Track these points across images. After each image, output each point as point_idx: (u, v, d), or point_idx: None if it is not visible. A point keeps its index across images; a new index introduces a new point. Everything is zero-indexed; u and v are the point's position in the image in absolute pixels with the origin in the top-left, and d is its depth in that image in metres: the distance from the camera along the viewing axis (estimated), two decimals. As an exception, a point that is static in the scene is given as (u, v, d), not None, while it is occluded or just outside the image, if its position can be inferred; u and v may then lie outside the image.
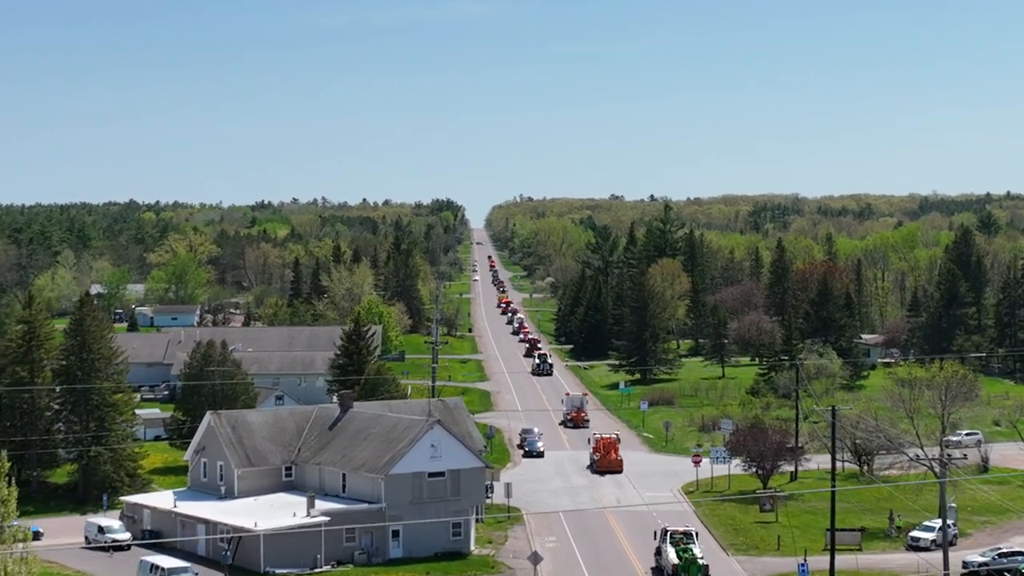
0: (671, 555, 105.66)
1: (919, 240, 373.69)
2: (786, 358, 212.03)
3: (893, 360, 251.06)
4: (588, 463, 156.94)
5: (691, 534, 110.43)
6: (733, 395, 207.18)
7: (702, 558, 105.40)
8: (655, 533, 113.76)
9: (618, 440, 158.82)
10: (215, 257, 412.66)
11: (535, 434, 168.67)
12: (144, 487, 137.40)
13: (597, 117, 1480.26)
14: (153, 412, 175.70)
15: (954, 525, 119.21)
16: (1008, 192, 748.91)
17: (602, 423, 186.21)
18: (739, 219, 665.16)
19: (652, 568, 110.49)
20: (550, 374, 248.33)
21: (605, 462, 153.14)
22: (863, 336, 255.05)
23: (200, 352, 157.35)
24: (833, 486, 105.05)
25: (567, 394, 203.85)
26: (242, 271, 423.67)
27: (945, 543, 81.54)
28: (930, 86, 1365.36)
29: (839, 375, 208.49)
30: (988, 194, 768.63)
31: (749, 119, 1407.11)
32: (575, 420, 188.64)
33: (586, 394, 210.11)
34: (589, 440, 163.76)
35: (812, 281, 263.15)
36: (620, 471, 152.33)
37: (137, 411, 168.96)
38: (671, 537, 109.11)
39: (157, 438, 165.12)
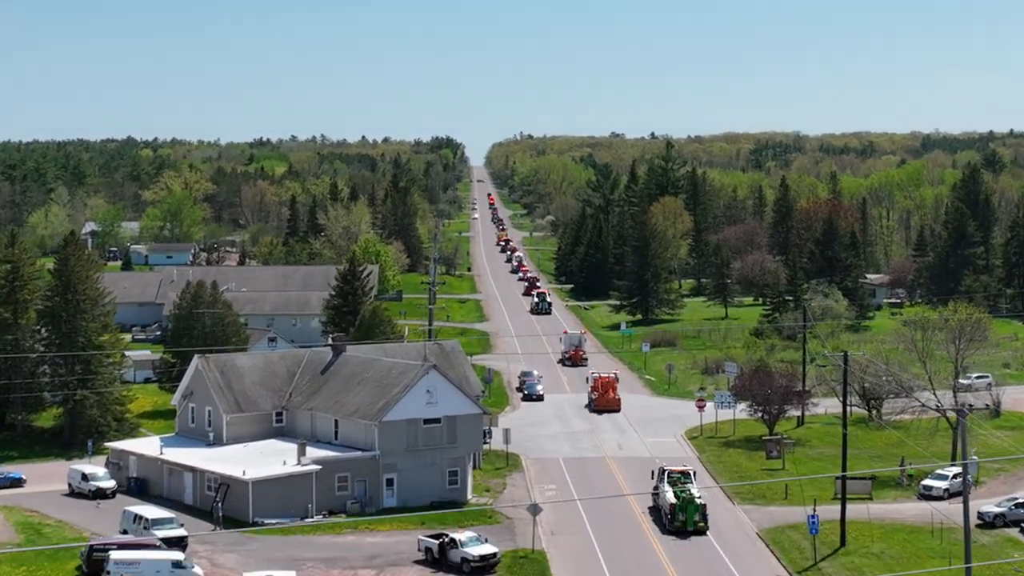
0: (668, 494, 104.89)
1: (924, 178, 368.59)
2: (791, 299, 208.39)
3: (899, 301, 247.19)
4: (586, 402, 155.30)
5: (689, 473, 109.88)
6: (737, 336, 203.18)
7: (700, 497, 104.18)
8: (652, 472, 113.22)
9: (616, 379, 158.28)
10: (211, 195, 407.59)
11: (534, 377, 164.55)
12: (132, 432, 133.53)
13: (598, 54, 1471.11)
14: (143, 354, 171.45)
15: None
16: (1011, 130, 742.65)
17: (603, 365, 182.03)
18: (740, 157, 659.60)
19: (649, 507, 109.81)
20: (549, 313, 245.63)
21: (603, 401, 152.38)
22: (868, 276, 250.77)
23: (190, 292, 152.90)
24: (845, 433, 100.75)
25: (565, 332, 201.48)
26: (238, 209, 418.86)
27: (966, 500, 77.38)
28: (932, 23, 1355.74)
29: (845, 316, 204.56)
30: (991, 132, 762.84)
31: (750, 56, 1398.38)
32: (573, 358, 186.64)
33: (584, 332, 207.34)
34: (587, 379, 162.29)
35: (816, 220, 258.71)
36: (618, 410, 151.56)
37: (127, 352, 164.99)
38: (669, 476, 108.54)
39: (147, 380, 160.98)
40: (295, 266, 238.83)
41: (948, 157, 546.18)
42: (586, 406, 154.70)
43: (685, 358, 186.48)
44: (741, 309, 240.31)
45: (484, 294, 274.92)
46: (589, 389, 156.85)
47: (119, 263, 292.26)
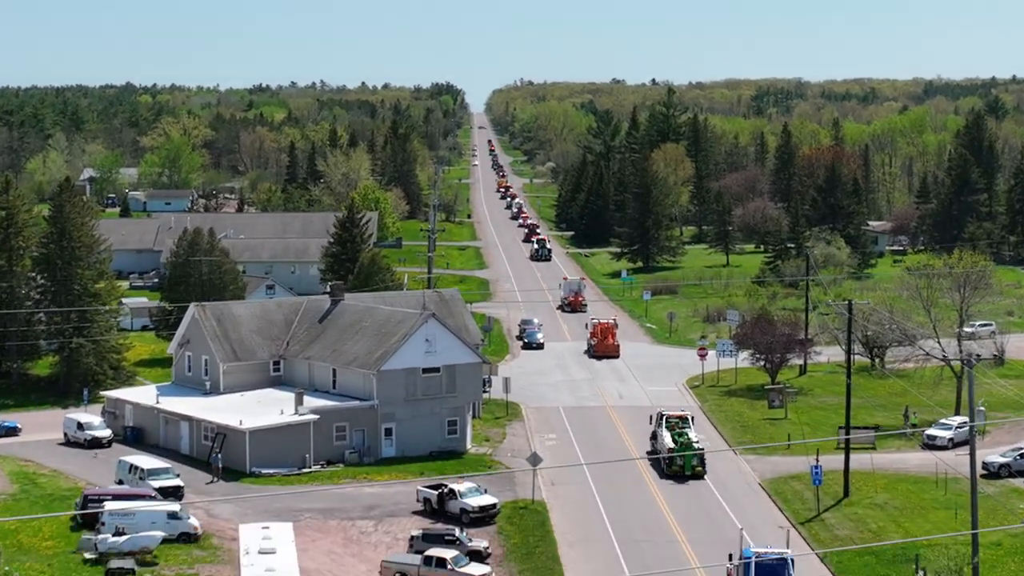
0: (666, 439, 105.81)
1: (927, 125, 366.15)
2: (792, 246, 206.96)
3: (902, 248, 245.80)
4: (585, 348, 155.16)
5: (687, 418, 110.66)
6: (738, 284, 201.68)
7: (697, 442, 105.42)
8: (651, 418, 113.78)
9: (615, 325, 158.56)
10: (210, 141, 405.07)
11: (535, 325, 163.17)
12: (129, 380, 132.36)
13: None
14: (140, 301, 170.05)
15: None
16: (1014, 76, 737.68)
17: (603, 313, 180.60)
18: (742, 104, 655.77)
19: (647, 452, 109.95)
20: (548, 259, 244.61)
21: (602, 347, 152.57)
22: (870, 223, 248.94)
23: (187, 240, 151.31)
24: (848, 384, 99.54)
25: (564, 278, 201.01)
26: (237, 155, 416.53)
27: (973, 452, 76.17)
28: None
29: (847, 263, 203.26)
30: (993, 78, 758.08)
31: (751, 1, 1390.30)
32: (572, 304, 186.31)
33: (583, 278, 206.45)
34: (587, 325, 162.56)
35: (819, 167, 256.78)
36: (617, 356, 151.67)
37: (124, 300, 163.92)
38: (667, 421, 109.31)
39: (144, 328, 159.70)
40: (294, 213, 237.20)
41: (951, 103, 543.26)
42: (585, 352, 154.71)
43: (686, 306, 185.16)
44: (742, 257, 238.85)
45: (484, 241, 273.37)
46: (588, 335, 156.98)
47: (117, 210, 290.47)
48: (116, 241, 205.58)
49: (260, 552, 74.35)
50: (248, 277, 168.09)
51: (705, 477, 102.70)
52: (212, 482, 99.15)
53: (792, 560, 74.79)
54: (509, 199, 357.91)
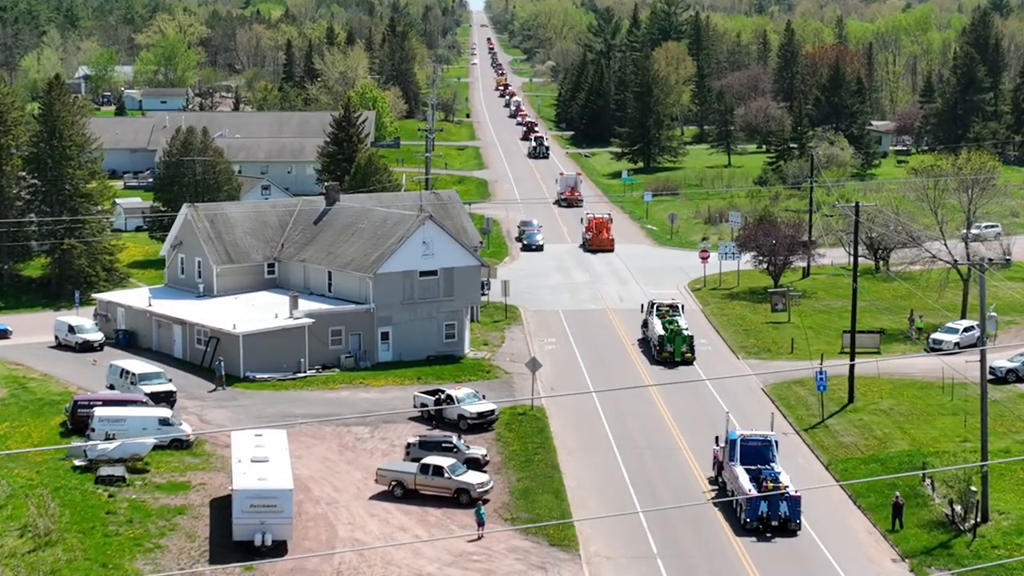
0: (657, 326, 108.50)
1: (932, 23, 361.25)
2: (795, 146, 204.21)
3: (906, 148, 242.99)
4: (580, 243, 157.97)
5: (677, 307, 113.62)
6: (740, 185, 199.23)
7: (687, 329, 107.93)
8: (642, 306, 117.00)
9: (610, 220, 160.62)
10: (206, 39, 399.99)
11: (534, 227, 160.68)
12: (121, 282, 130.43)
13: None
14: (134, 201, 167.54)
15: (978, 326, 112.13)
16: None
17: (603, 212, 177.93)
18: (744, 1, 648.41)
19: (639, 340, 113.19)
20: (546, 157, 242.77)
21: (597, 241, 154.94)
22: (874, 123, 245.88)
23: (180, 139, 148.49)
24: (855, 287, 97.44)
25: (561, 173, 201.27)
26: (234, 53, 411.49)
27: (983, 359, 74.31)
28: None
29: (850, 164, 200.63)
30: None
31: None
32: (569, 200, 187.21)
33: (580, 174, 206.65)
34: (581, 220, 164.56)
35: (822, 66, 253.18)
36: (611, 250, 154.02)
37: (118, 200, 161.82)
38: (657, 310, 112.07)
39: (138, 229, 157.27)
40: (290, 112, 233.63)
41: (955, 1, 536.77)
42: (580, 246, 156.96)
43: (687, 207, 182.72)
44: (744, 157, 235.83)
45: (483, 141, 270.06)
46: (583, 229, 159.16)
47: (112, 108, 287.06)
48: (110, 140, 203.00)
49: (253, 460, 72.53)
50: (243, 177, 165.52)
51: (695, 364, 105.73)
52: (215, 390, 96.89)
53: (776, 442, 77.76)
54: (508, 97, 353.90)
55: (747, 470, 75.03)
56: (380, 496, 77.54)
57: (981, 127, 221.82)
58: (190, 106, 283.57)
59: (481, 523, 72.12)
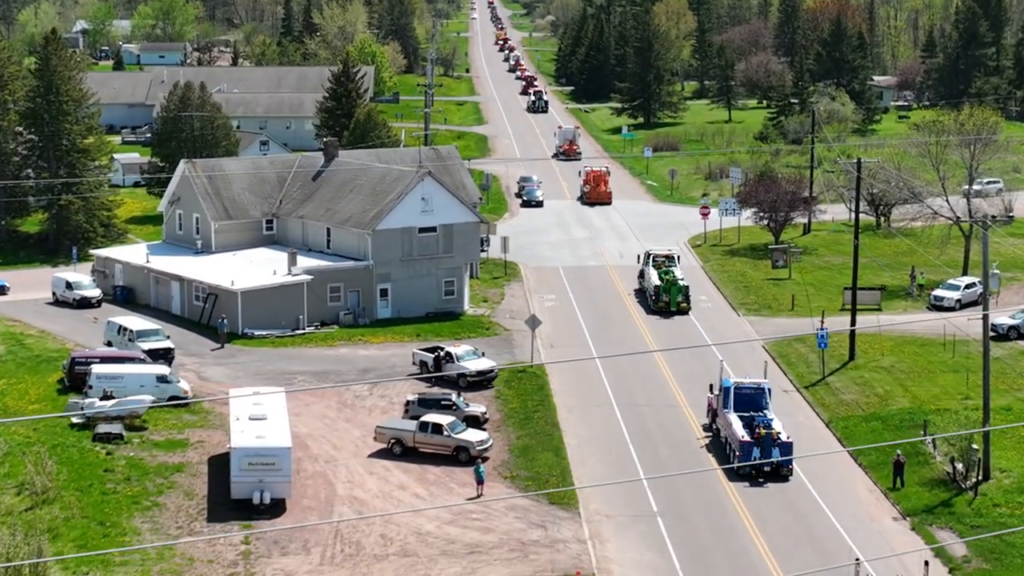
0: (653, 276, 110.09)
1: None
2: (796, 101, 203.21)
3: (907, 103, 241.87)
4: (578, 195, 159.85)
5: (673, 257, 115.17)
6: (741, 140, 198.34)
7: (683, 279, 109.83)
8: (638, 257, 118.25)
9: (607, 173, 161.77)
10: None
11: (534, 182, 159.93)
12: (119, 238, 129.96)
13: None
14: (132, 156, 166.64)
15: (980, 283, 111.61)
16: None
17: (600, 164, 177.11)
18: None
19: (635, 290, 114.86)
20: (545, 111, 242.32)
21: (594, 194, 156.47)
22: (875, 78, 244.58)
23: (178, 94, 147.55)
24: (856, 244, 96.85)
25: (559, 127, 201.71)
26: (232, 7, 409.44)
27: (986, 317, 73.84)
28: None
29: (851, 119, 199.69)
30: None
31: None
32: (567, 152, 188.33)
33: (578, 127, 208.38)
34: (579, 173, 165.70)
35: (823, 20, 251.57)
36: (609, 203, 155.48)
37: (115, 155, 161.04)
38: (653, 260, 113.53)
39: (136, 184, 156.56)
40: (288, 67, 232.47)
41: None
42: (578, 199, 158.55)
43: (688, 163, 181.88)
44: (745, 112, 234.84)
45: (483, 96, 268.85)
46: (581, 182, 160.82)
47: (110, 63, 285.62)
48: (108, 95, 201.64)
49: (251, 419, 72.15)
50: (241, 133, 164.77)
51: (690, 314, 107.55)
52: (218, 348, 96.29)
53: (769, 389, 79.49)
54: (508, 52, 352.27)
55: (740, 417, 76.18)
56: (379, 454, 77.20)
57: (983, 82, 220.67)
58: (188, 61, 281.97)
59: (480, 481, 71.80)
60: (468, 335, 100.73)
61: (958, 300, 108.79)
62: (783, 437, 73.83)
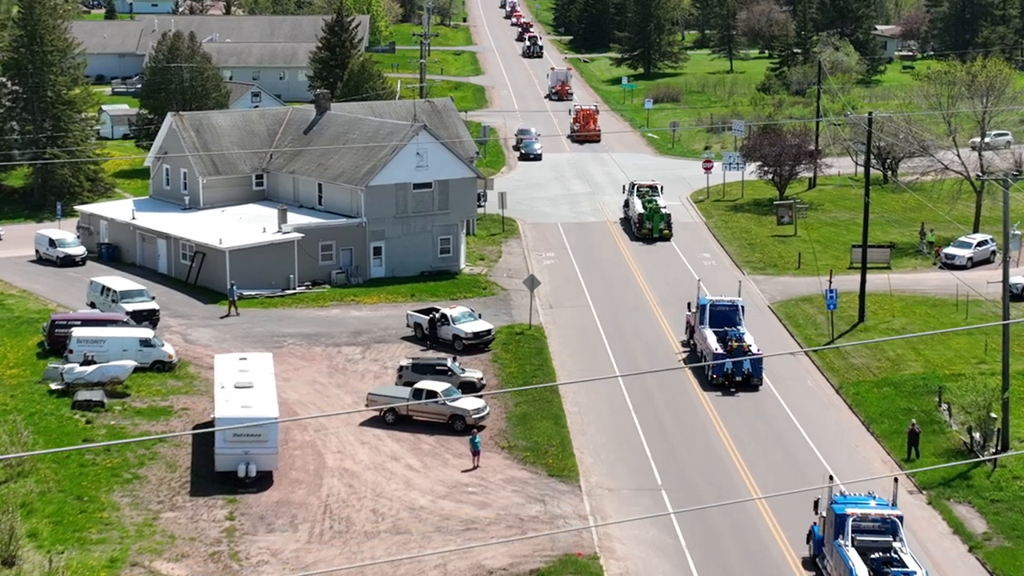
0: (637, 205, 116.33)
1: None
2: (799, 51, 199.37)
3: (911, 53, 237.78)
4: (568, 133, 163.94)
5: (656, 187, 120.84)
6: (743, 91, 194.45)
7: (665, 207, 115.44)
8: (623, 187, 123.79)
9: (597, 111, 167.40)
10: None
11: (532, 135, 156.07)
12: (107, 192, 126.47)
13: None
14: (121, 108, 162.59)
15: (993, 240, 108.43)
16: None
17: (605, 122, 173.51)
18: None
19: (620, 219, 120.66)
20: (540, 56, 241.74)
21: (584, 132, 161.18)
22: (878, 27, 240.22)
23: (166, 44, 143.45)
24: (867, 201, 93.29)
25: (552, 68, 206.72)
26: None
27: (1006, 279, 70.51)
28: None
29: (855, 70, 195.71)
30: None
31: None
32: (560, 93, 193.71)
33: (570, 69, 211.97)
34: (569, 111, 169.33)
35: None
36: (598, 140, 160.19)
37: (104, 107, 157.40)
38: (638, 190, 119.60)
39: (125, 137, 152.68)
40: (282, 16, 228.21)
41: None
42: (568, 136, 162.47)
43: (689, 115, 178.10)
44: (747, 62, 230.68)
45: (480, 46, 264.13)
46: (571, 120, 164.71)
47: (103, 11, 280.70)
48: (97, 45, 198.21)
49: (236, 387, 68.88)
50: (233, 84, 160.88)
51: (672, 240, 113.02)
52: (227, 315, 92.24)
53: (742, 307, 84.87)
54: None
55: (715, 332, 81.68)
56: (371, 422, 74.03)
57: (989, 31, 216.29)
58: (180, 10, 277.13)
59: (476, 452, 68.67)
60: (464, 295, 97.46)
61: (970, 258, 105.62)
62: (753, 349, 79.10)
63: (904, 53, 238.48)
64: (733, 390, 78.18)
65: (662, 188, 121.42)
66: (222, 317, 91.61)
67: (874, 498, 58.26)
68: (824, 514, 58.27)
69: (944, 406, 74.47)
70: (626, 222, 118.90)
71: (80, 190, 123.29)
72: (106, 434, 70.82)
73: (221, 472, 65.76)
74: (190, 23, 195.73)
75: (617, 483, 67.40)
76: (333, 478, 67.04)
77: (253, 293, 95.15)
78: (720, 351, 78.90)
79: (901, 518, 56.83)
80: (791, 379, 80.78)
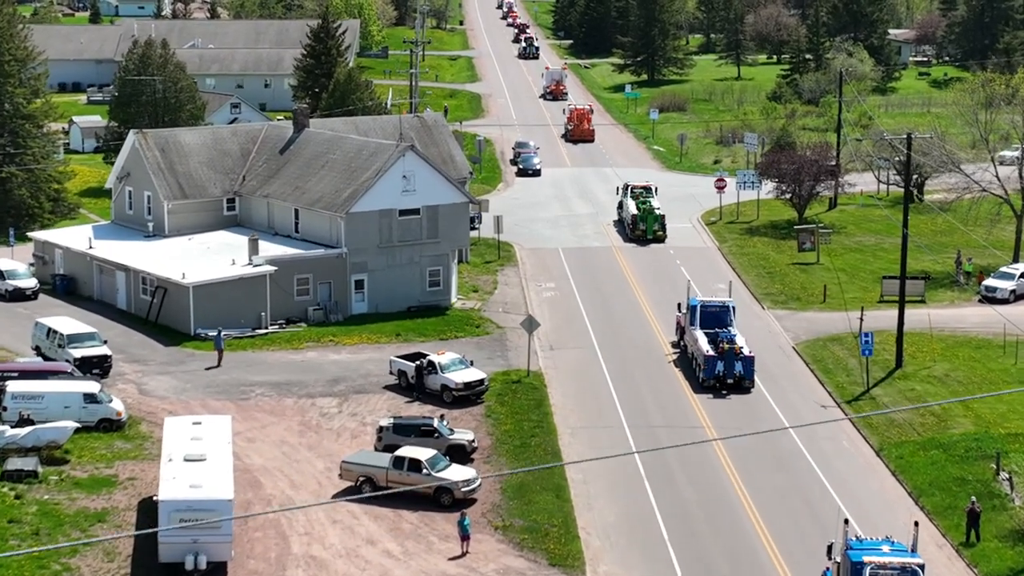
0: (631, 206, 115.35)
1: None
2: (811, 57, 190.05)
3: (926, 59, 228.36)
4: (562, 133, 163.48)
5: (650, 188, 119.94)
6: (752, 100, 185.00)
7: (659, 208, 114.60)
8: (617, 188, 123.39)
9: (591, 111, 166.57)
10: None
11: (531, 148, 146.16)
12: (70, 213, 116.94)
13: None
14: (92, 120, 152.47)
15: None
16: None
17: (608, 134, 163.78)
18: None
19: (615, 221, 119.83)
20: (536, 57, 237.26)
21: (578, 132, 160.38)
22: (891, 32, 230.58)
23: (138, 52, 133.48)
24: (905, 233, 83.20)
25: (547, 68, 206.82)
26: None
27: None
28: None
29: (870, 76, 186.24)
30: None
31: None
32: (554, 92, 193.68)
33: (565, 68, 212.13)
34: (564, 111, 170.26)
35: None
36: (592, 140, 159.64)
37: (75, 118, 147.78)
38: (632, 191, 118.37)
39: (97, 150, 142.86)
40: (269, 20, 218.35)
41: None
42: (562, 136, 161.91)
43: (697, 125, 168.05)
44: (755, 68, 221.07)
45: (477, 51, 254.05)
46: (565, 120, 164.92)
47: (87, 14, 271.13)
48: (74, 50, 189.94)
49: (187, 459, 59.09)
50: (212, 94, 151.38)
51: (665, 242, 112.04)
52: (213, 367, 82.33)
53: (733, 307, 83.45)
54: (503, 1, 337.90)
55: (706, 333, 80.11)
56: (345, 494, 64.25)
57: (1010, 37, 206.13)
58: (164, 13, 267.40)
59: (466, 536, 58.87)
60: (455, 334, 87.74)
61: (1012, 291, 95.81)
62: (745, 351, 77.61)
63: (919, 59, 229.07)
64: (724, 392, 77.00)
65: (656, 189, 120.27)
66: (207, 368, 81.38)
67: (891, 543, 52.12)
68: (839, 559, 52.46)
69: (1003, 475, 64.72)
70: (620, 224, 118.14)
71: (40, 212, 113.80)
72: (36, 511, 61.08)
73: (166, 564, 55.95)
74: (171, 27, 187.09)
75: (628, 571, 57.76)
76: (298, 569, 57.29)
77: (213, 333, 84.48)
78: (711, 353, 77.66)
79: (923, 566, 50.86)
80: (825, 439, 71.13)
